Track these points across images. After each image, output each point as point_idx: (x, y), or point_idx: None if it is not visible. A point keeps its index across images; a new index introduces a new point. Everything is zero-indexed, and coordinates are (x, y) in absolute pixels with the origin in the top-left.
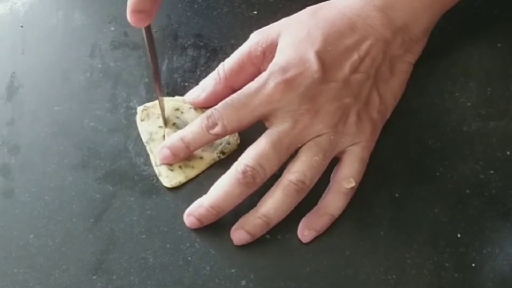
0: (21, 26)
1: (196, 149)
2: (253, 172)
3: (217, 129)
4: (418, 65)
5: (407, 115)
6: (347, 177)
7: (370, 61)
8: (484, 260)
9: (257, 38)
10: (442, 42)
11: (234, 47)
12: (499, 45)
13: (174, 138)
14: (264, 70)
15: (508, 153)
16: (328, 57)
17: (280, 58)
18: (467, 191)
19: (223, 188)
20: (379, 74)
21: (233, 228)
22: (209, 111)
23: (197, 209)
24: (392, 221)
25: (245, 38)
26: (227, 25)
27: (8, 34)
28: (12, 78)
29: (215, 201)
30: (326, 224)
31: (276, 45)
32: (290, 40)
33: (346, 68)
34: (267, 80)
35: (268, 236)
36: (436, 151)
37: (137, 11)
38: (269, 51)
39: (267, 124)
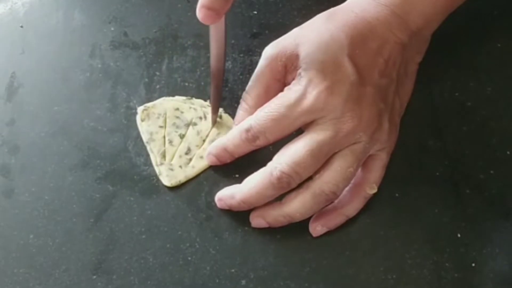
0: (21, 26)
1: (241, 155)
2: (289, 179)
3: (259, 142)
4: (419, 65)
5: (407, 115)
6: (371, 183)
7: (392, 65)
8: (484, 260)
9: (274, 53)
10: (443, 42)
11: (234, 47)
12: (499, 45)
13: (218, 147)
14: (288, 82)
15: (508, 153)
16: (358, 60)
17: (312, 65)
18: (467, 191)
19: (256, 188)
20: (398, 77)
21: (254, 213)
22: (247, 123)
23: (228, 199)
24: (392, 221)
25: (245, 38)
26: (227, 25)
27: (8, 34)
28: (12, 78)
29: (247, 198)
30: (340, 223)
31: (297, 55)
32: (315, 45)
33: (376, 72)
34: (306, 88)
35: (268, 236)
36: (436, 151)
37: (206, 8)
38: (290, 63)
39: (305, 129)
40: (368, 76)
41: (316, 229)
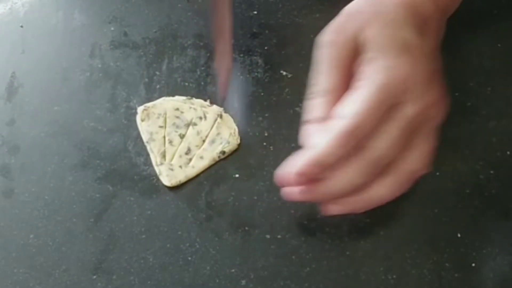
0: (21, 26)
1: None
2: (384, 161)
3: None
4: None
5: None
6: None
7: (439, 42)
8: (484, 260)
9: (339, 39)
10: (442, 42)
11: (234, 47)
12: (499, 45)
13: (313, 165)
14: (356, 68)
15: (508, 153)
16: (422, 34)
17: (387, 45)
18: (467, 191)
19: (348, 179)
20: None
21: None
22: (346, 125)
23: (313, 194)
24: (392, 221)
25: (245, 38)
26: None
27: (8, 34)
28: (12, 78)
29: (337, 191)
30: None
31: (364, 38)
32: (381, 24)
33: (434, 47)
34: (392, 63)
35: (268, 236)
36: (436, 151)
37: None
38: (357, 46)
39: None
40: (432, 51)
41: (331, 208)
